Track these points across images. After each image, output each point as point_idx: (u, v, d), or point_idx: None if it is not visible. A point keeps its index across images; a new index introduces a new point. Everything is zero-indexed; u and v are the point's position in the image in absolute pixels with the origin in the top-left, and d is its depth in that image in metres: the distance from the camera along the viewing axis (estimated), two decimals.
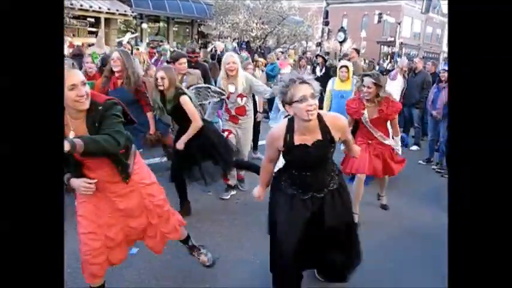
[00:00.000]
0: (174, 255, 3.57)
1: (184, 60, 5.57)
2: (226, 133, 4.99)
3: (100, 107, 2.41)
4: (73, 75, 2.31)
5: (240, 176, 5.40)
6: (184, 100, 4.08)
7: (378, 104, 4.39)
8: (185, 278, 3.32)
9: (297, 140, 2.64)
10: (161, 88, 4.08)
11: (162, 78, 4.05)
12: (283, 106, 2.64)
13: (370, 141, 4.58)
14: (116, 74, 4.59)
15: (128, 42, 12.56)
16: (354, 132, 4.66)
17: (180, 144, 4.16)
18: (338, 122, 2.73)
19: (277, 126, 2.83)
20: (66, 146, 2.14)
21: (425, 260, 3.87)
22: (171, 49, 13.49)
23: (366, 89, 4.31)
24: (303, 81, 2.50)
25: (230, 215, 4.61)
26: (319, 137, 2.64)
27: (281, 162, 2.97)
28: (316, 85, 2.55)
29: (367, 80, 4.32)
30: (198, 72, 5.94)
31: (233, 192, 5.22)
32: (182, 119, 4.22)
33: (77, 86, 2.31)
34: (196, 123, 4.15)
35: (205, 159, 4.30)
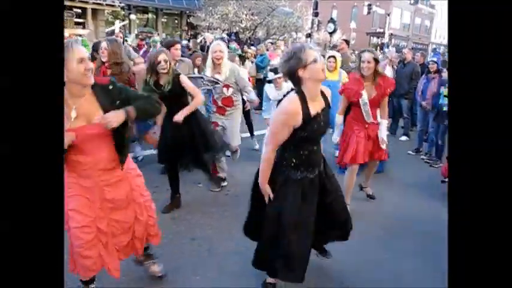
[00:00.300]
0: (164, 247, 3.56)
1: (179, 46, 5.60)
2: (212, 126, 4.95)
3: (111, 86, 2.52)
4: (79, 50, 2.36)
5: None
6: (183, 78, 4.13)
7: (376, 81, 4.36)
8: (175, 270, 3.31)
9: (312, 110, 2.62)
10: (165, 71, 4.04)
11: (166, 61, 4.03)
12: (293, 75, 2.59)
13: (366, 126, 4.52)
14: (106, 64, 4.59)
15: (120, 31, 12.41)
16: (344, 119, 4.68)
17: (180, 116, 4.07)
18: (327, 90, 2.83)
19: (287, 102, 2.61)
20: (122, 116, 2.41)
21: (418, 249, 3.91)
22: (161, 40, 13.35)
23: (366, 64, 4.27)
24: (311, 48, 2.62)
25: (220, 207, 4.60)
26: (323, 104, 2.72)
27: None
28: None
29: (367, 55, 4.28)
30: (189, 61, 5.92)
31: (224, 184, 5.20)
32: (178, 100, 4.18)
33: (85, 60, 2.35)
34: (198, 98, 4.18)
35: (196, 147, 4.27)
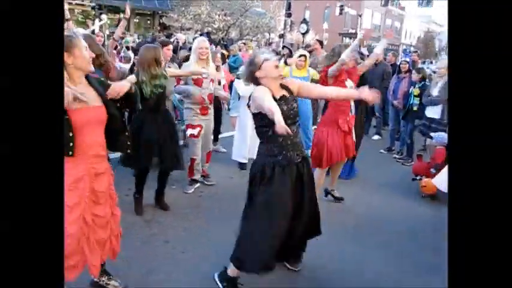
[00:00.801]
0: (137, 250, 3.50)
1: (171, 46, 5.65)
2: (198, 129, 4.87)
3: (102, 79, 2.83)
4: (82, 40, 2.51)
5: (204, 171, 5.34)
6: (170, 70, 4.43)
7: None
8: (148, 272, 3.25)
9: (277, 96, 2.87)
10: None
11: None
12: (252, 77, 2.93)
13: (348, 119, 4.58)
14: None
15: (101, 30, 12.10)
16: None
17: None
18: (292, 81, 3.15)
19: (257, 88, 2.87)
20: (127, 85, 2.70)
21: (387, 245, 3.96)
22: (133, 41, 13.13)
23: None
24: (263, 52, 3.01)
25: (194, 209, 4.55)
26: (288, 94, 2.97)
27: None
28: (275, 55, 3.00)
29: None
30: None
31: (197, 185, 5.16)
32: (163, 100, 4.27)
33: (88, 48, 2.52)
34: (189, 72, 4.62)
35: (175, 145, 4.29)
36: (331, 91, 3.25)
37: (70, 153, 2.42)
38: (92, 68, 2.59)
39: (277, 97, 2.85)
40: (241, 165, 6.02)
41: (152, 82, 4.01)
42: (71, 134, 2.41)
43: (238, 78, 5.83)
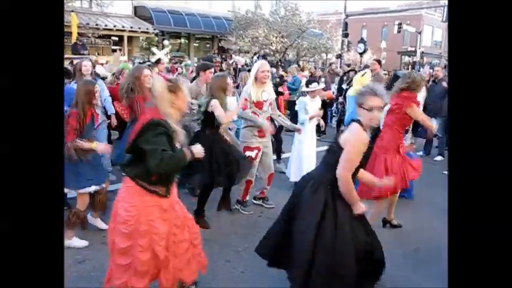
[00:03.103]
0: None
1: (213, 70, 5.63)
2: (255, 151, 4.91)
3: None
4: (184, 85, 2.85)
5: (264, 193, 5.37)
6: (227, 114, 4.48)
7: None
8: None
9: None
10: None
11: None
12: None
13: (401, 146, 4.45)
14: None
15: (166, 56, 12.80)
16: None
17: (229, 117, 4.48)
18: None
19: (359, 131, 2.85)
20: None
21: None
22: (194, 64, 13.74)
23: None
24: (375, 94, 2.88)
25: (253, 229, 4.57)
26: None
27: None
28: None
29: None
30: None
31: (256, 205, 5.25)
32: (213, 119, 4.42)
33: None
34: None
35: (230, 163, 4.43)
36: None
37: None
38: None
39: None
40: None
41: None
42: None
43: (304, 95, 5.99)
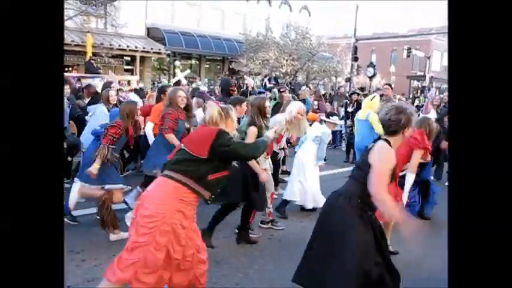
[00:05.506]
0: None
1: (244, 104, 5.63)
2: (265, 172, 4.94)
3: None
4: (234, 112, 3.23)
5: (270, 214, 5.36)
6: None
7: None
8: None
9: None
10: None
11: None
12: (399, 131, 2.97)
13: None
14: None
15: (186, 78, 13.37)
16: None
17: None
18: None
19: (388, 150, 2.90)
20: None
21: None
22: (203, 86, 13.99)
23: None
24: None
25: (263, 251, 4.58)
26: None
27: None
28: None
29: None
30: None
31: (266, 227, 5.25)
32: None
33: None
34: None
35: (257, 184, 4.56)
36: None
37: None
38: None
39: None
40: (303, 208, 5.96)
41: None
42: None
43: (320, 122, 6.20)
